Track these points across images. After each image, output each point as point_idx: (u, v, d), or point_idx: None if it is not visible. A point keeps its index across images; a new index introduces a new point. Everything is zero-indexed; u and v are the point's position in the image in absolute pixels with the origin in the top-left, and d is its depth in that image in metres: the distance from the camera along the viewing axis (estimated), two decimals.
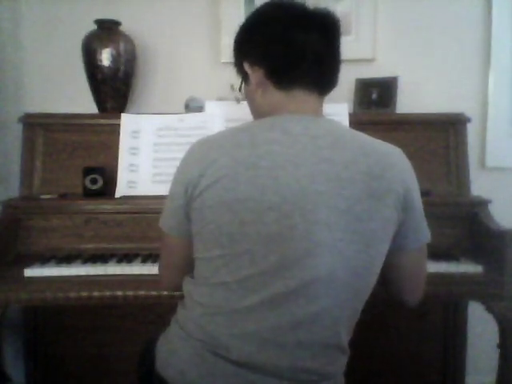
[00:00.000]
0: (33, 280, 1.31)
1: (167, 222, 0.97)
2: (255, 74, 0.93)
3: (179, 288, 1.00)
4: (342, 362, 0.91)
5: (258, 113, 0.98)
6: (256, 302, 0.83)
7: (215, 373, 0.85)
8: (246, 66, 0.95)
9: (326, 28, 0.92)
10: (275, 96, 0.93)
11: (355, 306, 0.89)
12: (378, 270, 0.89)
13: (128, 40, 1.73)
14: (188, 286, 0.95)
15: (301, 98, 0.92)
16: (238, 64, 0.98)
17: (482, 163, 1.86)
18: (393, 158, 0.88)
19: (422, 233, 0.94)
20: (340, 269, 0.82)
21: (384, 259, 0.89)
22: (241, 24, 0.97)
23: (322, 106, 0.96)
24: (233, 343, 0.84)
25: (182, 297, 0.98)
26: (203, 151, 0.89)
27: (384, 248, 0.88)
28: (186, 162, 0.92)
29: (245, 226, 0.83)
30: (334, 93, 0.99)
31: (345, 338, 0.89)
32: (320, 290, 0.82)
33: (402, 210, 0.87)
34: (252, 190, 0.82)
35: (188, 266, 0.97)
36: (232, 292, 0.85)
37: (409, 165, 0.91)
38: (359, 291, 0.88)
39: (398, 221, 0.88)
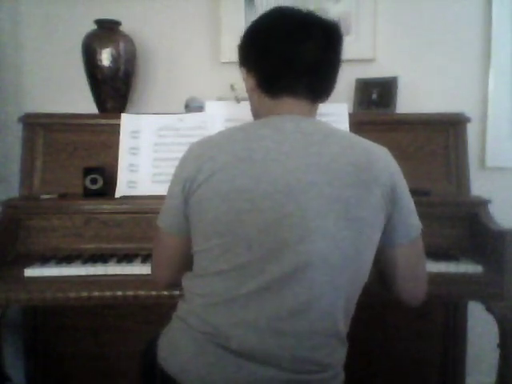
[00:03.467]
0: (33, 280, 1.31)
1: (165, 219, 1.00)
2: (249, 81, 0.99)
3: (172, 286, 1.06)
4: (342, 353, 0.92)
5: (255, 113, 1.04)
6: (254, 289, 0.85)
7: (217, 364, 0.86)
8: (243, 72, 1.01)
9: (324, 38, 0.94)
10: (267, 102, 0.98)
11: (350, 293, 0.90)
12: (370, 257, 0.92)
13: (128, 40, 1.73)
14: (187, 280, 0.97)
15: (291, 104, 0.96)
16: (240, 67, 1.03)
17: (482, 163, 1.86)
18: (379, 155, 0.92)
19: (412, 227, 0.96)
20: (333, 254, 0.85)
21: (376, 248, 0.92)
22: (245, 29, 1.01)
23: (314, 110, 1.00)
24: (233, 333, 0.85)
25: (182, 296, 0.98)
26: (200, 150, 0.93)
27: (375, 235, 0.91)
28: (183, 161, 0.95)
29: (241, 214, 0.86)
30: (334, 93, 0.99)
31: (343, 328, 0.90)
32: (315, 276, 0.84)
33: (390, 202, 0.90)
34: (247, 180, 0.86)
35: (183, 265, 1.00)
36: (230, 280, 0.87)
37: (395, 163, 0.94)
38: (353, 278, 0.89)
39: (387, 211, 0.91)
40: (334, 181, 0.86)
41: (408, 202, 0.94)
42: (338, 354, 0.91)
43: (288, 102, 0.95)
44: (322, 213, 0.85)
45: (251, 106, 1.04)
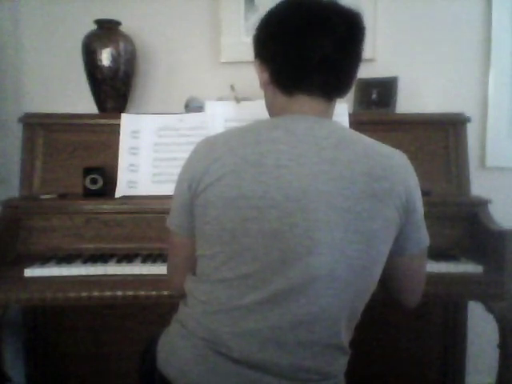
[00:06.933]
0: (33, 280, 1.31)
1: (174, 220, 0.98)
2: (263, 74, 0.94)
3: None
4: (343, 362, 0.91)
5: (269, 110, 0.99)
6: (257, 300, 0.83)
7: (216, 371, 0.85)
8: (257, 64, 0.96)
9: (345, 30, 0.88)
10: (280, 98, 0.93)
11: (356, 306, 0.89)
12: (379, 270, 0.89)
13: (128, 40, 1.73)
14: (189, 283, 0.95)
15: (305, 102, 0.91)
16: (254, 58, 0.98)
17: (482, 163, 1.86)
18: (395, 161, 0.88)
19: (423, 236, 0.94)
20: (340, 268, 0.82)
21: (385, 261, 0.89)
22: (261, 17, 0.95)
23: (330, 108, 0.94)
24: (234, 341, 0.84)
25: (181, 297, 0.98)
26: (207, 149, 0.90)
27: (385, 249, 0.88)
28: (190, 160, 0.93)
29: (247, 222, 0.83)
30: None
31: (345, 338, 0.89)
32: (320, 289, 0.82)
33: (404, 212, 0.87)
34: (255, 187, 0.83)
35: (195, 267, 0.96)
36: (233, 289, 0.85)
37: (411, 168, 0.90)
38: (360, 291, 0.88)
39: (400, 222, 0.87)
40: (346, 191, 0.82)
41: (420, 211, 0.91)
42: (339, 363, 0.90)
43: (302, 100, 0.91)
44: (330, 224, 0.81)
45: (265, 101, 0.99)
